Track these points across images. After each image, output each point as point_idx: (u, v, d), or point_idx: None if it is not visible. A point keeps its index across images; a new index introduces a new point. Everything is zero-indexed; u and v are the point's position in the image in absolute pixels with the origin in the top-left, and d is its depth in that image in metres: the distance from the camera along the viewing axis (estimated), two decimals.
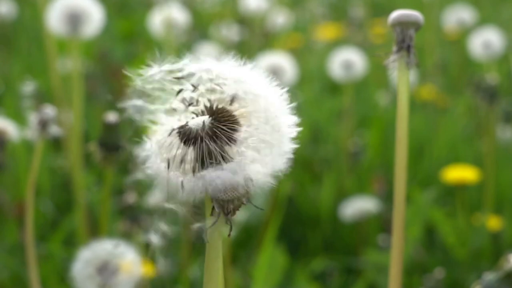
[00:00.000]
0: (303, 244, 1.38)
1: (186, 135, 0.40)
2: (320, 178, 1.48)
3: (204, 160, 0.40)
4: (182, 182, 0.40)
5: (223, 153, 0.40)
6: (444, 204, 1.36)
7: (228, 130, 0.40)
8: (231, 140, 0.40)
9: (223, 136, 0.40)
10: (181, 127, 0.41)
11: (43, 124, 0.79)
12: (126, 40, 2.36)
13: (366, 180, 1.47)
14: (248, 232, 1.32)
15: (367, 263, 1.23)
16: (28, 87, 1.55)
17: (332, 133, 1.64)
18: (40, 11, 1.28)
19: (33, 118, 0.79)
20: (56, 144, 1.51)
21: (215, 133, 0.40)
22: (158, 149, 0.41)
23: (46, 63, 1.55)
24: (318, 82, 1.99)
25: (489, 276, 0.56)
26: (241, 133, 0.40)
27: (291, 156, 0.41)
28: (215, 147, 0.40)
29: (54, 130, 0.80)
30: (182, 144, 0.40)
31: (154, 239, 0.54)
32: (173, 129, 0.41)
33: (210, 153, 0.40)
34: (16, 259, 1.18)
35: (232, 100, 0.41)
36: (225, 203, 0.40)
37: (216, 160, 0.39)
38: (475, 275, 1.20)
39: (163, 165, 0.41)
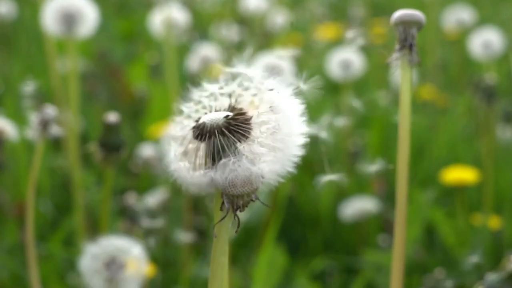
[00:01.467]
0: (303, 244, 1.38)
1: (200, 130, 0.41)
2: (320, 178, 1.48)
3: (216, 156, 0.40)
4: (193, 176, 0.40)
5: (235, 150, 0.40)
6: (443, 204, 1.36)
7: (241, 128, 0.41)
8: (243, 137, 0.41)
9: (235, 133, 0.41)
10: (196, 122, 0.42)
11: (44, 124, 0.79)
12: (126, 40, 2.36)
13: (366, 180, 1.47)
14: (248, 232, 1.32)
15: (366, 263, 1.23)
16: (28, 87, 1.55)
17: (332, 133, 1.64)
18: (40, 11, 1.28)
19: (34, 118, 0.79)
20: (55, 144, 1.51)
21: (228, 129, 0.41)
22: (174, 144, 0.42)
23: (46, 63, 1.55)
24: (318, 82, 1.98)
25: (492, 277, 0.56)
26: (254, 132, 0.41)
27: (298, 159, 0.41)
28: (228, 143, 0.40)
29: (55, 130, 0.80)
30: (195, 138, 0.41)
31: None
32: (188, 124, 0.42)
33: (222, 148, 0.40)
34: (16, 259, 1.18)
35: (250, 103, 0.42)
36: (234, 199, 0.40)
37: (227, 156, 0.40)
38: (475, 276, 1.20)
39: (176, 159, 0.41)
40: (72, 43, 1.25)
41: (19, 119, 1.26)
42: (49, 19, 1.24)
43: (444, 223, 1.26)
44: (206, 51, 1.76)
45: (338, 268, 1.27)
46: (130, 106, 1.82)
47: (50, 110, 0.80)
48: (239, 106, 0.42)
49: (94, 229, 1.20)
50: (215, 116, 0.41)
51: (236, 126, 0.41)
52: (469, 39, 1.86)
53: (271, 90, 0.42)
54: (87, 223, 1.19)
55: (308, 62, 2.10)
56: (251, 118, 0.41)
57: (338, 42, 2.17)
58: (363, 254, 1.25)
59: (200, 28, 2.47)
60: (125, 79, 1.89)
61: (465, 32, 2.15)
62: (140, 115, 1.73)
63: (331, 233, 1.40)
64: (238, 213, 0.41)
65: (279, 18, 2.36)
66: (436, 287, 1.00)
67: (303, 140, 0.41)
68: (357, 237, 1.36)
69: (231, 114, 0.41)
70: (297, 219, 1.42)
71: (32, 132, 0.80)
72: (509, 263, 0.55)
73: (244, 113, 0.41)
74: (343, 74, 1.63)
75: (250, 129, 0.41)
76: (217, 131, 0.40)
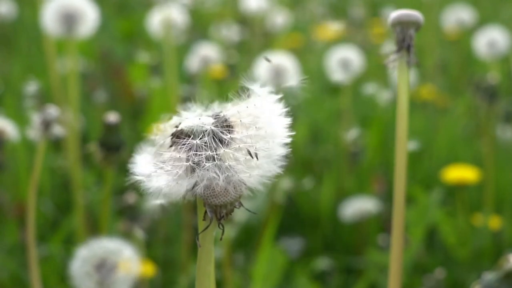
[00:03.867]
0: (303, 244, 1.38)
1: (178, 137, 0.40)
2: (320, 178, 1.48)
3: (195, 163, 0.39)
4: (171, 185, 0.39)
5: (215, 157, 0.39)
6: (444, 204, 1.36)
7: (222, 134, 0.40)
8: (225, 144, 0.40)
9: (216, 139, 0.39)
10: (175, 128, 0.40)
11: (46, 124, 0.79)
12: (126, 40, 2.36)
13: (366, 180, 1.47)
14: (248, 232, 1.32)
15: (368, 263, 1.23)
16: (30, 87, 1.55)
17: (332, 133, 1.65)
18: (40, 11, 1.28)
19: (35, 118, 0.79)
20: (56, 144, 1.51)
21: (208, 135, 0.39)
22: (152, 151, 0.41)
23: (46, 63, 1.55)
24: (318, 82, 1.99)
25: (489, 276, 0.56)
26: (235, 137, 0.40)
27: (284, 161, 0.40)
28: (208, 149, 0.39)
29: (57, 130, 0.80)
30: (173, 145, 0.40)
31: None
32: (167, 131, 0.41)
33: (202, 155, 0.39)
34: (16, 259, 1.18)
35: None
36: (217, 208, 0.39)
37: (207, 163, 0.39)
38: (476, 275, 1.20)
39: (154, 166, 0.40)
40: (72, 43, 1.25)
41: (19, 119, 1.26)
42: (49, 19, 1.23)
43: (444, 223, 1.26)
44: (206, 51, 1.76)
45: (338, 268, 1.27)
46: (130, 106, 1.82)
47: (52, 110, 0.80)
48: (221, 113, 0.41)
49: (94, 229, 1.20)
50: (195, 122, 0.40)
51: (217, 132, 0.40)
52: (473, 38, 1.85)
53: (253, 96, 0.41)
54: (87, 223, 1.19)
55: (308, 62, 2.10)
56: (232, 124, 0.40)
57: (338, 41, 2.17)
58: (366, 254, 1.25)
59: (200, 28, 2.47)
60: (126, 79, 1.89)
61: (465, 32, 2.15)
62: (140, 115, 1.72)
63: (331, 233, 1.40)
64: (226, 220, 0.39)
65: (279, 18, 2.36)
66: (436, 287, 1.00)
67: (286, 145, 0.40)
68: (357, 237, 1.36)
69: (211, 120, 0.40)
70: (297, 219, 1.42)
71: (33, 132, 0.79)
72: (506, 262, 0.55)
73: (225, 119, 0.40)
74: (343, 73, 1.63)
75: (231, 135, 0.40)
76: (197, 138, 0.39)
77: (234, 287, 1.15)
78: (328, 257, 1.29)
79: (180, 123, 0.41)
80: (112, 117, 0.88)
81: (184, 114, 0.41)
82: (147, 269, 1.06)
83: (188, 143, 0.39)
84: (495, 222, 1.29)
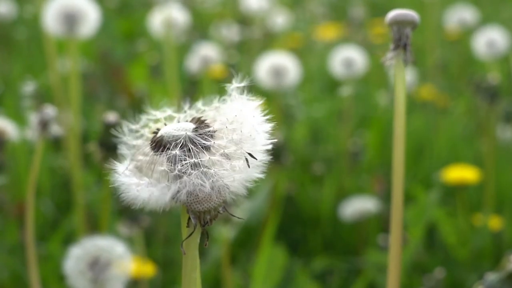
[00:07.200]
0: (303, 244, 1.38)
1: (158, 142, 0.39)
2: (320, 178, 1.48)
3: (177, 170, 0.39)
4: (151, 192, 0.39)
5: (197, 162, 0.39)
6: (444, 204, 1.36)
7: (203, 139, 0.39)
8: (207, 149, 0.39)
9: (197, 145, 0.39)
10: (154, 135, 0.40)
11: (44, 124, 0.79)
12: (126, 40, 2.36)
13: (366, 180, 1.47)
14: (248, 232, 1.32)
15: (367, 262, 1.23)
16: (28, 87, 1.55)
17: (332, 133, 1.64)
18: (39, 11, 1.28)
19: (33, 118, 0.79)
20: (56, 144, 1.51)
21: (190, 141, 0.39)
22: (132, 158, 0.40)
23: (46, 63, 1.55)
24: (318, 82, 1.99)
25: (491, 277, 0.56)
26: (216, 142, 0.39)
27: (266, 164, 0.40)
28: (190, 155, 0.39)
29: (55, 130, 0.79)
30: (153, 151, 0.40)
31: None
32: (147, 137, 0.40)
33: (183, 161, 0.39)
34: (16, 259, 1.18)
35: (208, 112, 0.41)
36: (201, 214, 0.38)
37: (190, 169, 0.38)
38: (475, 275, 1.20)
39: (134, 172, 0.40)
40: (73, 43, 1.25)
41: (19, 119, 1.26)
42: (51, 19, 1.23)
43: (445, 223, 1.26)
44: (206, 51, 1.76)
45: (338, 268, 1.27)
46: (130, 105, 1.82)
47: (50, 110, 0.80)
48: (202, 118, 0.40)
49: (94, 229, 1.20)
50: (176, 127, 0.39)
51: (198, 138, 0.39)
52: (473, 38, 1.85)
53: (234, 100, 0.40)
54: (87, 223, 1.19)
55: (309, 62, 2.10)
56: (214, 129, 0.40)
57: (338, 41, 2.17)
58: (365, 254, 1.25)
59: (200, 28, 2.47)
60: (126, 79, 1.89)
61: (466, 32, 2.15)
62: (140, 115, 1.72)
63: (331, 233, 1.40)
64: (210, 225, 0.39)
65: (279, 18, 2.36)
66: (436, 287, 1.00)
67: (267, 148, 0.40)
68: (357, 237, 1.36)
69: (193, 125, 0.40)
70: (297, 219, 1.42)
71: (31, 132, 0.79)
72: (508, 263, 0.55)
73: (207, 125, 0.40)
74: (346, 72, 1.63)
75: (213, 140, 0.39)
76: (178, 144, 0.39)
77: (234, 287, 1.15)
78: (328, 257, 1.29)
79: (159, 129, 0.40)
80: (112, 116, 0.88)
81: (163, 119, 0.41)
82: (147, 269, 1.06)
83: (170, 150, 0.39)
84: (495, 222, 1.29)
